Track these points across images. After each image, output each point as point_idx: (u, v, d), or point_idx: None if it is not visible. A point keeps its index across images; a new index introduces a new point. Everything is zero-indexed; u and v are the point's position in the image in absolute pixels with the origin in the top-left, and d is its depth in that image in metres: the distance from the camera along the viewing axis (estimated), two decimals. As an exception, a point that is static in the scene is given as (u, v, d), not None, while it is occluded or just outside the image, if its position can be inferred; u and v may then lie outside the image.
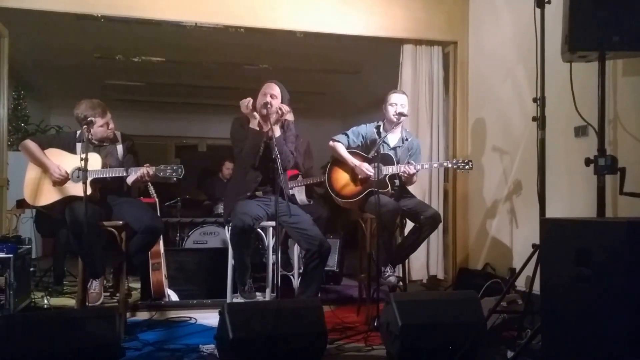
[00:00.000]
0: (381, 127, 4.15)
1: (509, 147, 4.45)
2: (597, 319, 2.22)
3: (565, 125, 3.61)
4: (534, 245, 3.04)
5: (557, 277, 2.46)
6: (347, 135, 4.20)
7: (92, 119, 3.61)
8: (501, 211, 4.55)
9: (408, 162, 4.05)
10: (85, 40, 6.21)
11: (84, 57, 6.96)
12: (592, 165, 2.90)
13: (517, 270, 3.34)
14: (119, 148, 3.84)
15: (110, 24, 5.15)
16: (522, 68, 4.22)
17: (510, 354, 2.90)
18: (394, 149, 4.14)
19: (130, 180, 3.64)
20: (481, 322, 3.03)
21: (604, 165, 2.87)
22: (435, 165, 4.46)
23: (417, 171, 3.98)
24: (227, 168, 7.39)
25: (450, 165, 4.18)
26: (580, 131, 3.52)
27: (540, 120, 3.14)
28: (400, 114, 3.99)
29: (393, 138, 4.16)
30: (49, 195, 3.63)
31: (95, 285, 3.72)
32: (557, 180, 3.67)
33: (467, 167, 4.01)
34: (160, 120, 10.57)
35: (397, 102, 4.05)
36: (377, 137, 4.08)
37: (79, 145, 3.72)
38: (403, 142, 4.16)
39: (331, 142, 4.22)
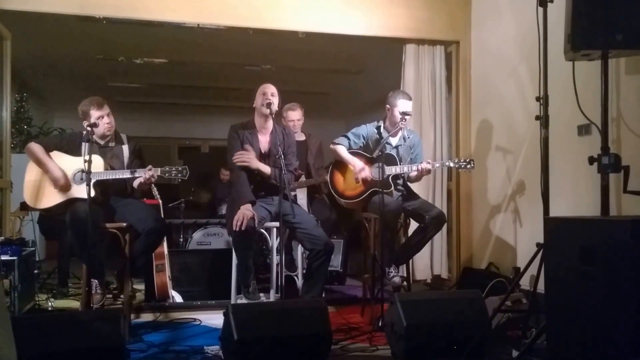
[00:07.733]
0: (381, 127, 4.14)
1: (512, 146, 4.45)
2: (602, 318, 2.22)
3: (568, 124, 3.60)
4: (538, 244, 3.02)
5: (561, 276, 2.46)
6: (347, 137, 4.20)
7: (91, 119, 3.63)
8: (505, 210, 4.54)
9: (411, 161, 4.06)
10: (87, 42, 6.22)
11: (86, 59, 6.97)
12: (595, 164, 2.90)
13: (521, 269, 3.34)
14: (125, 149, 3.84)
15: (113, 25, 5.15)
16: (525, 67, 4.21)
17: (515, 353, 2.89)
18: (396, 147, 4.13)
19: (135, 183, 3.65)
20: (486, 322, 3.03)
21: (608, 163, 2.87)
22: (437, 165, 4.39)
23: (432, 168, 3.99)
24: (224, 174, 7.41)
25: (452, 165, 4.13)
26: (583, 130, 3.51)
27: (543, 119, 3.13)
28: (404, 114, 3.98)
29: (394, 137, 4.15)
30: (50, 198, 3.62)
31: (96, 286, 3.72)
32: (560, 179, 3.66)
33: (469, 166, 4.00)
34: (163, 121, 10.57)
35: (405, 109, 3.99)
36: (378, 137, 4.08)
37: (84, 145, 3.67)
38: (405, 141, 4.16)
39: (332, 146, 4.22)
